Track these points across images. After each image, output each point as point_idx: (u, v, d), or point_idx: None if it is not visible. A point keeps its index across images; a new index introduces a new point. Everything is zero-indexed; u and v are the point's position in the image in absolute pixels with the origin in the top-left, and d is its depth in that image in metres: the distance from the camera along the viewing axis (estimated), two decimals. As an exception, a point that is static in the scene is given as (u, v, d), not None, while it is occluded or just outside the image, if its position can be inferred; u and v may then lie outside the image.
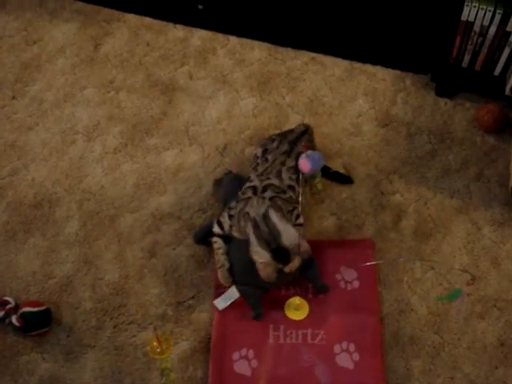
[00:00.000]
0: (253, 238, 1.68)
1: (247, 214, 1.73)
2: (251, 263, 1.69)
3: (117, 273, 1.89)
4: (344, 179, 2.02)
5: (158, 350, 1.61)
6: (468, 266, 1.86)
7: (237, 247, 1.74)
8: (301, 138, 1.97)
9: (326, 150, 2.07)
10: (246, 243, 1.71)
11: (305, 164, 1.89)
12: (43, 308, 1.79)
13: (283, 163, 1.88)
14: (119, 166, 2.07)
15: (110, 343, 1.79)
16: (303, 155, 1.89)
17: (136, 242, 1.93)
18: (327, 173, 2.01)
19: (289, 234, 1.66)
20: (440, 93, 2.18)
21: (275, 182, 1.83)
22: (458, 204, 1.97)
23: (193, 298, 1.84)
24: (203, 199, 2.00)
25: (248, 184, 1.84)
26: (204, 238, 1.86)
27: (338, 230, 1.94)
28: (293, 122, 2.12)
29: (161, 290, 1.86)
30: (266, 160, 1.90)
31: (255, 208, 1.73)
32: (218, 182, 1.98)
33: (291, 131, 1.99)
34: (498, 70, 2.10)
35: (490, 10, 1.94)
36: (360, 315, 1.79)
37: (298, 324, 1.79)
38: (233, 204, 1.81)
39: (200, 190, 2.02)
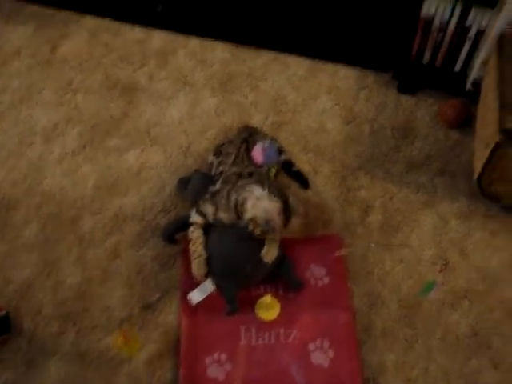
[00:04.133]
0: (259, 191, 1.70)
1: (246, 184, 1.73)
2: (230, 254, 1.68)
3: (79, 276, 1.81)
4: (302, 181, 1.99)
5: (126, 346, 1.56)
6: (436, 258, 1.85)
7: (217, 238, 1.71)
8: (253, 133, 1.97)
9: (292, 147, 2.05)
10: (230, 230, 1.71)
11: (258, 155, 1.87)
12: (2, 313, 1.70)
13: (248, 150, 1.88)
14: (79, 167, 2.00)
15: (74, 349, 1.70)
16: (259, 145, 1.87)
17: (98, 244, 1.86)
18: (289, 169, 1.99)
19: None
20: (402, 89, 2.19)
21: (254, 169, 1.82)
22: (423, 198, 1.97)
23: (159, 300, 1.78)
24: (166, 199, 1.95)
25: (227, 173, 1.82)
26: (173, 234, 1.82)
27: (305, 226, 1.91)
28: (256, 120, 2.10)
29: (125, 293, 1.79)
30: (229, 153, 1.88)
31: (254, 178, 1.77)
32: (183, 181, 1.93)
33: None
34: (458, 66, 2.12)
35: (449, 5, 1.96)
36: (332, 311, 1.75)
37: (270, 324, 1.74)
38: (212, 190, 1.79)
39: (163, 190, 1.96)
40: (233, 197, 1.73)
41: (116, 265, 1.83)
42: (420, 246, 1.88)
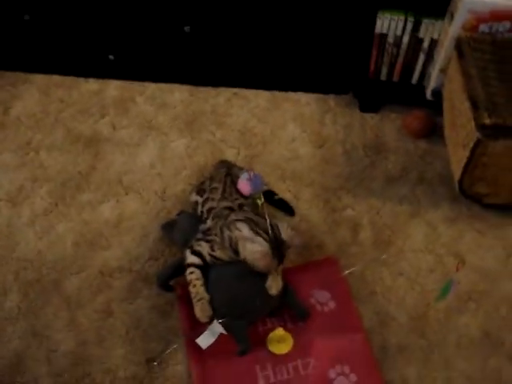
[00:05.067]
0: (246, 231, 1.61)
1: (235, 220, 1.66)
2: (235, 291, 1.60)
3: (72, 341, 1.68)
4: (286, 208, 1.96)
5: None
6: (434, 266, 1.85)
7: (217, 276, 1.64)
8: (231, 166, 1.95)
9: (268, 177, 2.01)
10: (229, 267, 1.65)
11: (245, 186, 1.83)
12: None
13: (233, 182, 1.84)
14: (53, 227, 1.88)
15: (82, 419, 1.57)
16: (244, 176, 1.84)
17: (87, 304, 1.74)
18: (271, 199, 1.95)
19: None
20: (364, 108, 2.22)
21: (244, 201, 1.77)
22: (408, 209, 1.97)
23: (163, 351, 1.67)
24: (152, 246, 1.86)
25: (217, 208, 1.75)
26: (168, 280, 1.72)
27: (299, 253, 1.86)
28: (229, 155, 2.06)
29: (126, 350, 1.67)
30: (215, 188, 1.82)
31: (244, 213, 1.70)
32: (167, 226, 1.85)
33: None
34: (415, 78, 2.17)
35: (401, 20, 2.02)
36: (345, 335, 1.69)
37: (285, 358, 1.66)
38: (203, 228, 1.72)
39: (146, 238, 1.87)
40: (226, 233, 1.66)
41: (110, 323, 1.71)
42: (415, 256, 1.87)
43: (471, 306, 1.78)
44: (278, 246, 1.63)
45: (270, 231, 1.63)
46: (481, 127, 1.73)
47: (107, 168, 2.02)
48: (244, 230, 1.63)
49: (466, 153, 1.81)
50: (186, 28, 2.13)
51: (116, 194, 1.97)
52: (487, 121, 1.71)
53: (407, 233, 1.92)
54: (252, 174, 1.83)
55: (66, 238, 1.86)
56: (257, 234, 1.62)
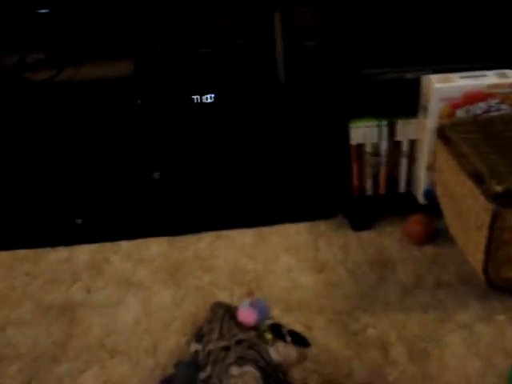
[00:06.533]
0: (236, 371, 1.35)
1: (227, 367, 1.37)
2: None
3: None
4: (299, 340, 1.69)
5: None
6: (484, 369, 1.56)
7: None
8: (229, 306, 1.69)
9: (272, 311, 1.75)
10: None
11: (248, 314, 1.55)
12: None
13: (233, 317, 1.55)
14: (28, 409, 1.55)
15: None
16: (244, 304, 1.57)
17: None
18: (279, 332, 1.68)
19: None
20: (357, 227, 2.06)
21: (244, 336, 1.48)
22: (436, 315, 1.72)
23: None
24: (151, 414, 1.53)
25: (215, 351, 1.45)
26: None
27: (326, 385, 1.57)
28: (222, 298, 1.82)
29: None
30: (213, 329, 1.55)
31: (237, 351, 1.41)
32: (166, 382, 1.54)
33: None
34: (402, 186, 2.06)
35: (374, 126, 1.96)
36: None
37: None
38: (202, 377, 1.40)
39: (143, 405, 1.56)
40: (225, 382, 1.37)
41: None
42: (459, 363, 1.58)
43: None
44: (271, 372, 1.38)
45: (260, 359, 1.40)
46: (493, 197, 1.57)
47: (85, 333, 1.74)
48: (235, 371, 1.37)
49: (484, 233, 1.63)
50: (156, 174, 2.01)
51: (99, 360, 1.66)
52: (498, 188, 1.56)
53: (443, 340, 1.65)
54: (254, 298, 1.59)
55: (45, 420, 1.53)
56: (245, 362, 1.38)
